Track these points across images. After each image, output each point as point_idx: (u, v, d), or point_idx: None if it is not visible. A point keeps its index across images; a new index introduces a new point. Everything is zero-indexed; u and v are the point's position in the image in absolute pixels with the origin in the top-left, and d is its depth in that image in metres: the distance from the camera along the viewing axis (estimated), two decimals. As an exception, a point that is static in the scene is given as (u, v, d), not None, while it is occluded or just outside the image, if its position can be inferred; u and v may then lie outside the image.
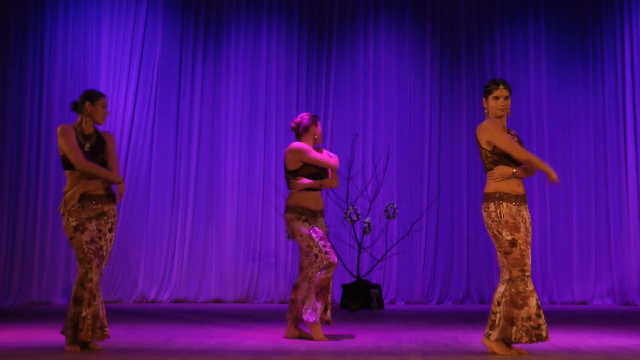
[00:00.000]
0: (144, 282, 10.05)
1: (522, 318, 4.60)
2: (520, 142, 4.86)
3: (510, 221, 4.65)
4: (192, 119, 10.42)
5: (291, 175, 5.77)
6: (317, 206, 5.76)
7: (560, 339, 5.64)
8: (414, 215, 10.14)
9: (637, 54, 10.29)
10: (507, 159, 4.76)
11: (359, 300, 8.87)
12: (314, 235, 5.61)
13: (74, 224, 4.86)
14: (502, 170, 4.72)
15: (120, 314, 8.06)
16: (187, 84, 10.45)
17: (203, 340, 5.54)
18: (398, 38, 10.67)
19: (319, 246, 5.58)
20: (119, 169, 5.08)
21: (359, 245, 9.19)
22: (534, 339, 4.62)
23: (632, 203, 10.10)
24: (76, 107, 5.02)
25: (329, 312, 5.66)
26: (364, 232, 9.11)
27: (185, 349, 4.99)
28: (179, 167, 10.33)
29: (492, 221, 4.68)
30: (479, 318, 7.62)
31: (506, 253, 4.65)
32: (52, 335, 5.68)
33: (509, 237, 4.64)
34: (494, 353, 4.67)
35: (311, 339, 5.57)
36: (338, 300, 9.29)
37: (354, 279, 9.38)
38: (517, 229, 4.65)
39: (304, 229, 5.64)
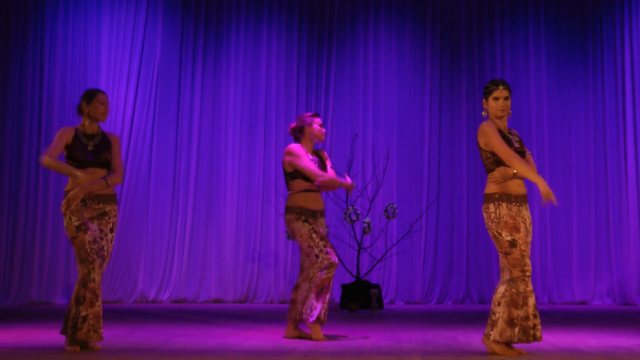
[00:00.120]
0: (144, 282, 10.06)
1: (521, 318, 4.61)
2: (521, 142, 4.85)
3: (509, 222, 4.64)
4: (192, 119, 10.42)
5: (289, 177, 5.76)
6: (317, 206, 5.73)
7: (560, 339, 5.64)
8: (413, 215, 10.13)
9: (637, 54, 10.30)
10: (508, 160, 4.76)
11: (359, 300, 8.87)
12: (314, 235, 5.61)
13: (76, 223, 4.86)
14: (503, 171, 4.70)
15: (120, 314, 8.06)
16: (187, 84, 10.45)
17: (203, 340, 5.54)
18: (398, 38, 10.67)
19: (319, 246, 5.58)
20: (122, 170, 5.09)
21: (359, 245, 9.19)
22: (531, 338, 4.62)
23: (632, 203, 10.10)
24: (79, 110, 5.13)
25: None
26: (363, 232, 9.11)
27: (185, 349, 4.99)
28: (179, 167, 10.33)
29: (492, 222, 4.67)
30: (478, 318, 7.61)
31: (506, 254, 4.65)
32: (52, 335, 5.68)
33: (509, 238, 4.64)
34: (494, 353, 4.67)
35: (311, 339, 5.57)
36: (338, 300, 9.29)
37: (353, 279, 9.37)
38: (517, 230, 4.64)
39: (304, 229, 5.63)
